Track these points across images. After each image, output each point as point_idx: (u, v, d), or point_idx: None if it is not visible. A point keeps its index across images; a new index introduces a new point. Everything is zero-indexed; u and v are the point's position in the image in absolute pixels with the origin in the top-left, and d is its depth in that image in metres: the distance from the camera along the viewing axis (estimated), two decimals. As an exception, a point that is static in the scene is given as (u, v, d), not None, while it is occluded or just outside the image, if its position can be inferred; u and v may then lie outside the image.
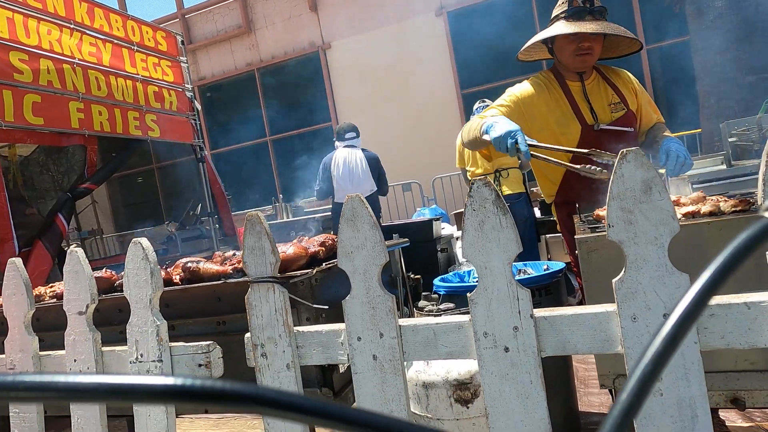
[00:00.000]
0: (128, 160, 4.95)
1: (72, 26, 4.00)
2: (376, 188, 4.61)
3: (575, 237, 1.26)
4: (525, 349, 0.87)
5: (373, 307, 0.98)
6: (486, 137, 1.80)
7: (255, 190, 9.15)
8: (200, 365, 1.10)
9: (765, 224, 0.30)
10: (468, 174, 4.39)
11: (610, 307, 0.85)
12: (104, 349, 1.21)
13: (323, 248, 1.85)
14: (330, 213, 5.05)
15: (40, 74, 3.64)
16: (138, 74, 4.57)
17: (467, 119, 4.47)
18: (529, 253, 3.66)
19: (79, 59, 3.99)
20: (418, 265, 3.25)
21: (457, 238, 4.58)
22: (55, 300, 2.05)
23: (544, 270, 2.23)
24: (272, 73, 9.91)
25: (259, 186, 9.19)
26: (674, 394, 0.78)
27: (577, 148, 1.96)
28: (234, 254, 1.99)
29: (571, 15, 1.95)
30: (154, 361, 1.12)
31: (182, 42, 5.31)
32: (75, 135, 3.98)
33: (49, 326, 1.40)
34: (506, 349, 0.89)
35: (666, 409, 0.79)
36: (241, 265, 1.67)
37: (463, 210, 0.89)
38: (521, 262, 2.33)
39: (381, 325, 0.98)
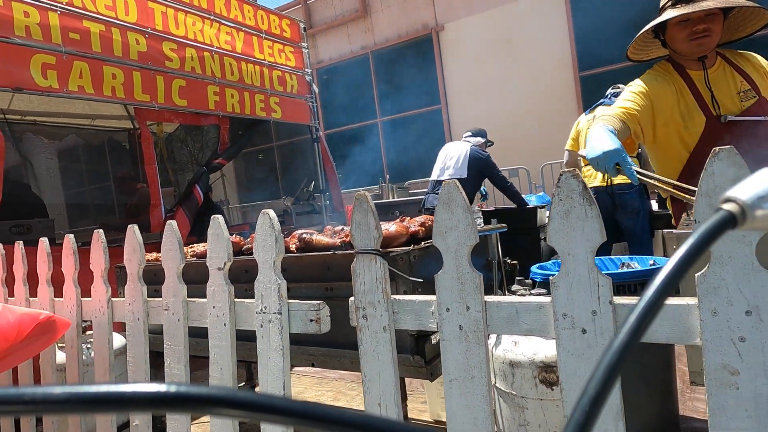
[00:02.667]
0: (253, 139, 5.45)
1: (212, 18, 4.48)
2: (465, 177, 5.10)
3: (674, 232, 1.25)
4: (602, 332, 0.93)
5: (462, 283, 1.09)
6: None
7: (363, 170, 9.51)
8: (311, 320, 1.29)
9: (722, 216, 0.31)
10: (583, 161, 4.24)
11: (691, 300, 0.88)
12: (236, 300, 1.45)
13: (423, 228, 1.97)
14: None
15: (185, 61, 4.16)
16: (265, 60, 5.00)
17: (585, 103, 4.28)
18: (642, 247, 3.47)
19: (216, 47, 4.47)
20: (521, 252, 3.23)
21: (562, 227, 4.45)
22: (195, 258, 2.41)
23: (650, 265, 2.16)
24: (385, 56, 10.15)
25: (367, 166, 9.53)
26: (751, 389, 0.80)
27: (702, 141, 1.84)
28: (342, 228, 2.18)
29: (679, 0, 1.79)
30: (275, 313, 1.33)
31: (304, 28, 5.67)
32: (211, 115, 4.50)
33: (189, 280, 1.68)
34: (583, 331, 0.95)
35: (741, 402, 0.80)
36: (348, 239, 1.86)
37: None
38: (627, 256, 2.27)
39: (468, 299, 1.08)
